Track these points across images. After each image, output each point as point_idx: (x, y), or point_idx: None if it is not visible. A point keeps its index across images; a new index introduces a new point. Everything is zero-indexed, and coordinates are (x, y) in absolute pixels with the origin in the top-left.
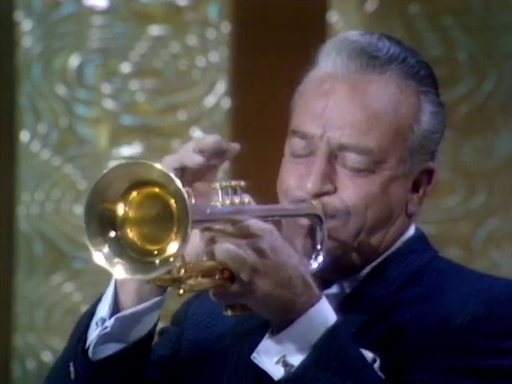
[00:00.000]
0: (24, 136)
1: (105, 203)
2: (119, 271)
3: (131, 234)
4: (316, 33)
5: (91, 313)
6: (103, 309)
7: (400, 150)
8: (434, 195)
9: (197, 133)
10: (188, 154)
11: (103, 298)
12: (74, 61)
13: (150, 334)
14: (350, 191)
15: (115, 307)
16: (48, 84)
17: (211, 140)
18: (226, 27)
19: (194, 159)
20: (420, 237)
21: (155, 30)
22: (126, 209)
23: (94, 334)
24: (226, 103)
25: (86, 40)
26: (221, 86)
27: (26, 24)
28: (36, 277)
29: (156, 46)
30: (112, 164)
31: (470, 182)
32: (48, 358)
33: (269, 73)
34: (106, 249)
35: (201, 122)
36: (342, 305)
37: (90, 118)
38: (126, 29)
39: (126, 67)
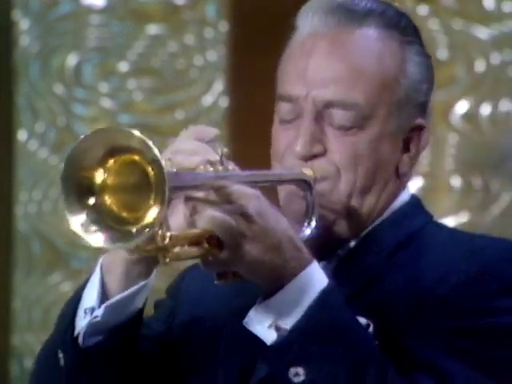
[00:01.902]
0: (21, 135)
1: (82, 171)
2: (96, 240)
3: (109, 201)
4: None
5: (77, 299)
6: (91, 297)
7: (387, 103)
8: (432, 194)
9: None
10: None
11: (89, 284)
12: (71, 60)
13: (139, 315)
14: (339, 151)
15: (103, 294)
16: (46, 83)
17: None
18: (224, 26)
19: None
20: (414, 202)
21: (153, 29)
22: (104, 176)
23: (82, 322)
24: (224, 102)
25: (84, 39)
26: (218, 85)
27: (23, 23)
28: (34, 276)
29: (154, 45)
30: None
31: (467, 180)
32: None
33: (266, 72)
34: (83, 216)
35: (198, 121)
36: (334, 271)
37: (87, 117)
38: (123, 28)
39: (123, 66)
